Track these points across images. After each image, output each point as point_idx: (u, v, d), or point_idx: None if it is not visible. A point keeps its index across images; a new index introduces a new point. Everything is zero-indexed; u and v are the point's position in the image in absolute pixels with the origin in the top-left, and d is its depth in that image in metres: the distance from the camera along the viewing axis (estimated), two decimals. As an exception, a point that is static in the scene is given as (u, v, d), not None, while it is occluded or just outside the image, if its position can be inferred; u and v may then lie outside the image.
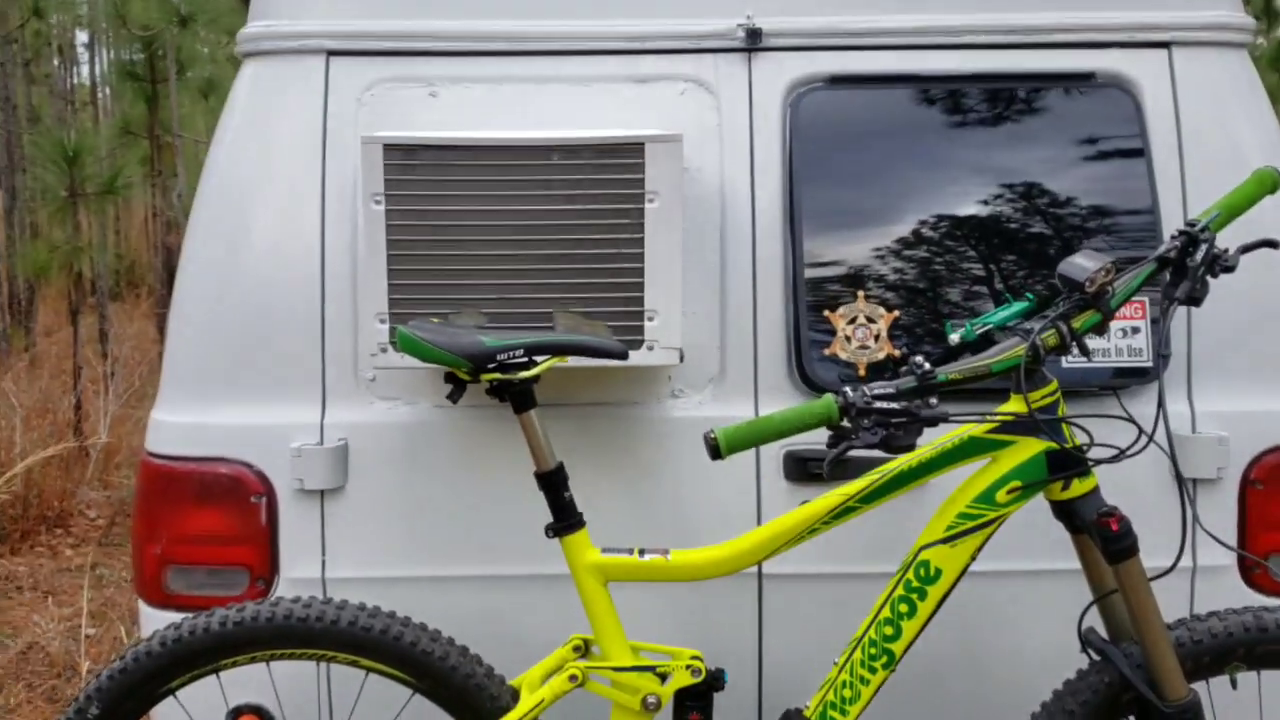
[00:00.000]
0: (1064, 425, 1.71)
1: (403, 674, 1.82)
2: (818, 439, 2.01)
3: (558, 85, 2.12)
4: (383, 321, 1.96)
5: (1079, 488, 1.72)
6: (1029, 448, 1.72)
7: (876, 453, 1.65)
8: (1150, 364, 2.04)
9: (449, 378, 1.85)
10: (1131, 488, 2.00)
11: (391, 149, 1.94)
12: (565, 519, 1.81)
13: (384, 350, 1.97)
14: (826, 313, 2.06)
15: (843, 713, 1.74)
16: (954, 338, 1.76)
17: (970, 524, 1.72)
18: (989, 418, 1.72)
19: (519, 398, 1.81)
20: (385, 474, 2.07)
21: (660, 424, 2.08)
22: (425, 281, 1.96)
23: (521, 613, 2.08)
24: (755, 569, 2.07)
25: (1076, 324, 1.69)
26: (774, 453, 2.07)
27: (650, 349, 1.96)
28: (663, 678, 1.80)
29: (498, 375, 1.78)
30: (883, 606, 1.74)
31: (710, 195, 2.10)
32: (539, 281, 1.96)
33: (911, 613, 1.73)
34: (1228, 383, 2.08)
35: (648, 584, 1.87)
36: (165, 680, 1.80)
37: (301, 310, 2.07)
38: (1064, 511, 1.76)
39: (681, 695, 1.81)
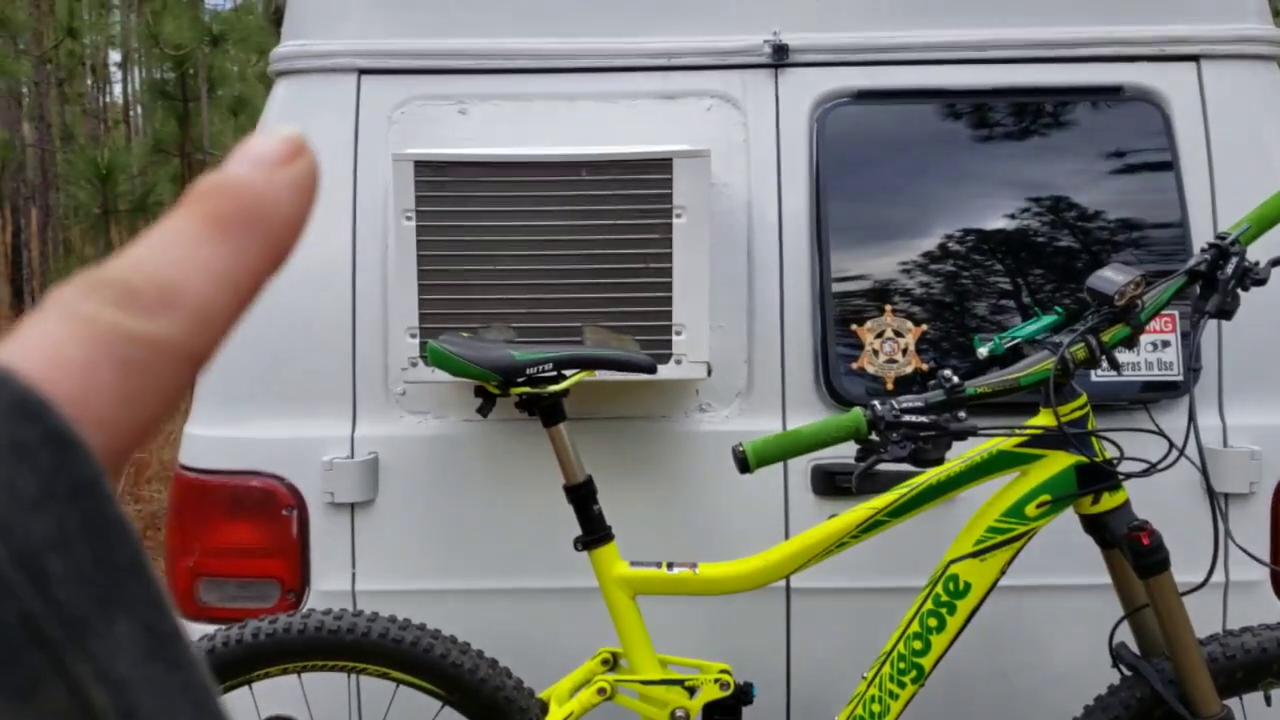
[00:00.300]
0: (1094, 439, 1.71)
1: (433, 686, 1.83)
2: (845, 453, 2.01)
3: (586, 102, 2.14)
4: (413, 336, 1.98)
5: (1109, 502, 1.72)
6: (1058, 462, 1.71)
7: (905, 466, 1.65)
8: (1180, 378, 2.03)
9: (479, 391, 1.87)
10: (1162, 502, 1.99)
11: (422, 166, 1.96)
12: (594, 532, 1.82)
13: (414, 364, 1.99)
14: (854, 327, 2.06)
15: (872, 727, 1.74)
16: (982, 351, 1.76)
17: (999, 538, 1.71)
18: (1018, 431, 1.71)
19: (548, 411, 1.82)
20: (415, 487, 2.09)
21: (688, 438, 2.09)
22: (455, 296, 1.98)
23: (550, 626, 2.09)
24: (783, 583, 2.07)
25: (1106, 337, 1.69)
26: (802, 467, 2.07)
27: (678, 363, 1.97)
28: (691, 691, 1.81)
29: (527, 389, 1.79)
30: (912, 621, 1.74)
31: (737, 210, 2.11)
32: (568, 296, 1.97)
33: (941, 627, 1.73)
34: (1260, 397, 2.07)
35: (676, 597, 1.87)
36: (198, 691, 1.82)
37: (333, 325, 2.10)
38: (1094, 526, 1.76)
39: (710, 709, 1.81)
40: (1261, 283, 1.71)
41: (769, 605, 2.08)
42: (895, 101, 2.14)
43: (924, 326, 2.06)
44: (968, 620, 1.73)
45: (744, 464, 1.63)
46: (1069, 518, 1.79)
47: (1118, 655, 1.79)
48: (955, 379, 1.65)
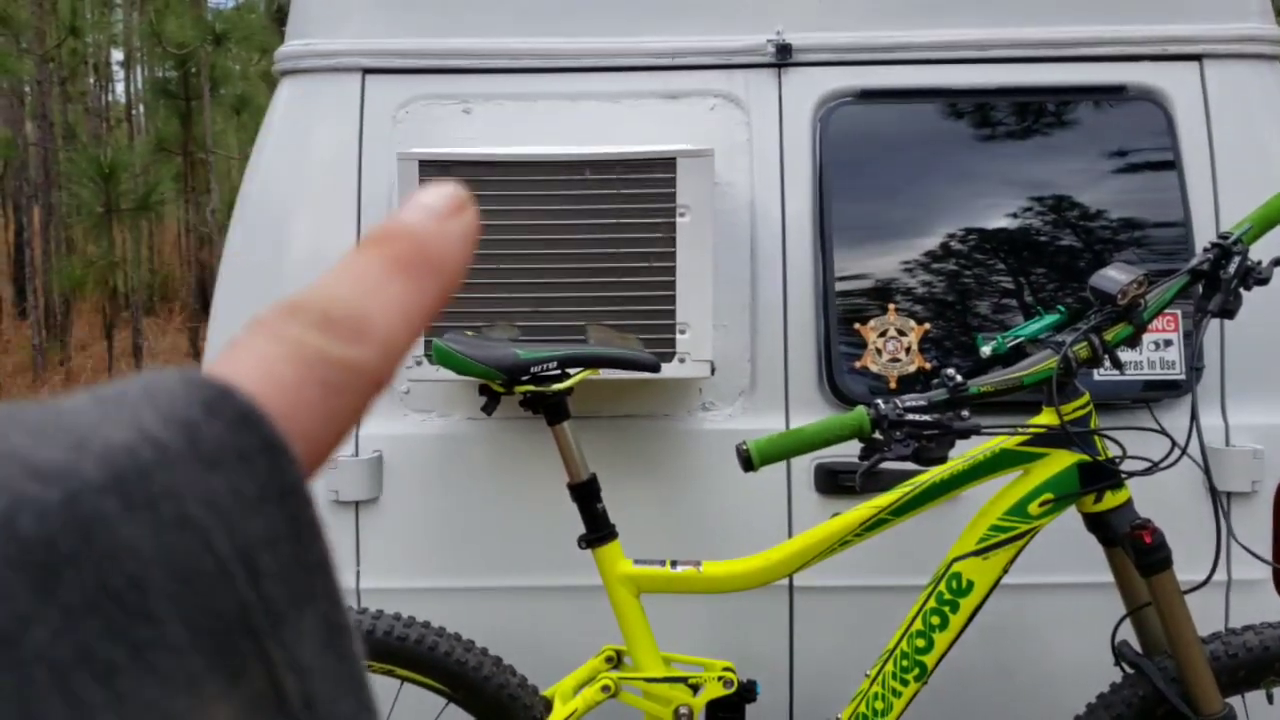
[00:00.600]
0: (1096, 438, 1.71)
1: (437, 684, 1.84)
2: (849, 452, 2.02)
3: (590, 101, 2.14)
4: (417, 335, 1.99)
5: (1112, 500, 1.72)
6: (1061, 460, 1.72)
7: (908, 465, 1.65)
8: (1183, 377, 2.03)
9: (483, 390, 1.87)
10: (1165, 501, 2.00)
11: (427, 165, 1.97)
12: (598, 530, 1.83)
13: (419, 363, 1.99)
14: (857, 325, 2.07)
15: (875, 725, 1.75)
16: (985, 350, 1.77)
17: (1002, 536, 1.72)
18: (1021, 430, 1.72)
19: (552, 410, 1.83)
20: (419, 486, 2.09)
21: (691, 436, 2.09)
22: (459, 295, 1.98)
23: (554, 623, 2.10)
24: (787, 581, 2.08)
25: (1108, 336, 1.69)
26: (805, 465, 2.08)
27: (682, 362, 1.98)
28: (695, 689, 1.81)
29: (531, 387, 1.80)
30: (915, 618, 1.75)
31: (741, 209, 2.11)
32: (572, 295, 1.98)
33: (944, 625, 1.73)
34: (1262, 396, 2.07)
35: (680, 595, 1.88)
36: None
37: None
38: (1097, 524, 1.76)
39: (714, 706, 1.82)
40: (1264, 282, 1.71)
41: (772, 603, 2.08)
42: (898, 101, 2.14)
43: (927, 325, 2.06)
44: (970, 618, 1.74)
45: (748, 462, 1.64)
46: (1071, 516, 1.79)
47: (1120, 653, 1.79)
48: (958, 378, 1.65)
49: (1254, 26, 2.14)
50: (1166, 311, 1.93)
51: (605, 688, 1.81)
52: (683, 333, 1.98)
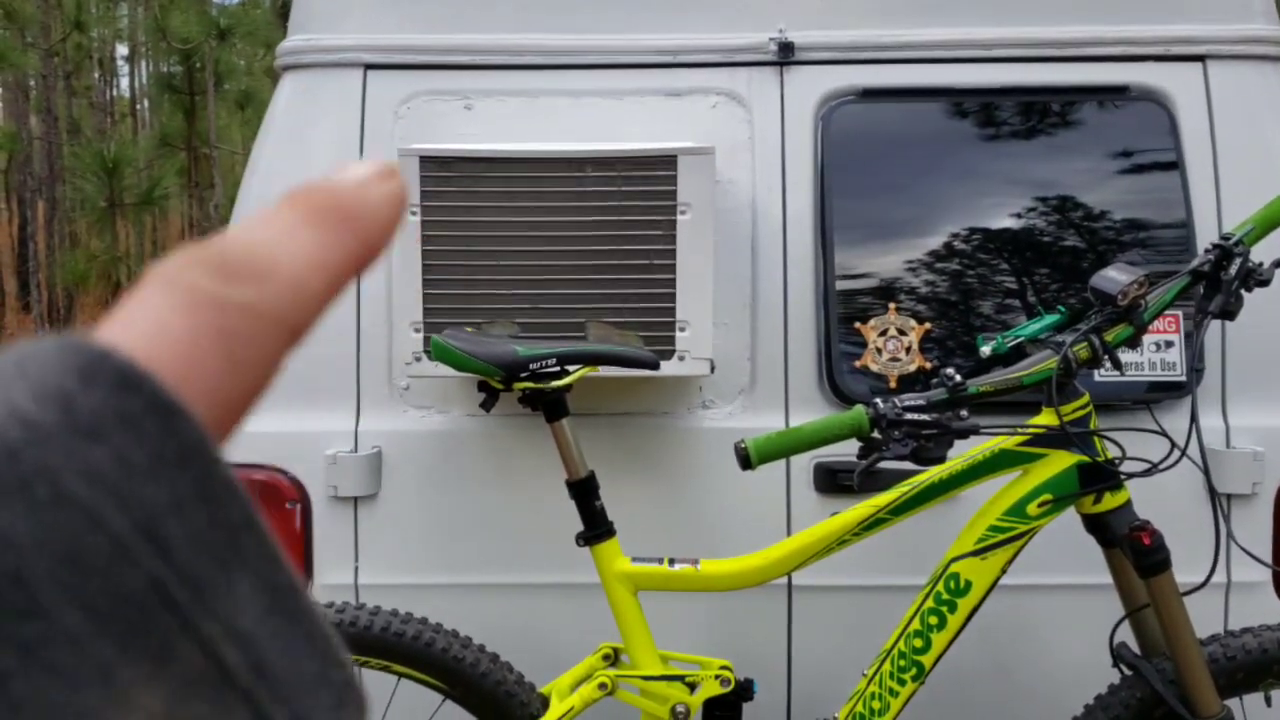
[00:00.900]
0: (1096, 439, 1.71)
1: (434, 680, 1.84)
2: (848, 451, 2.02)
3: (591, 99, 2.14)
4: (417, 330, 1.99)
5: (1111, 501, 1.72)
6: (1060, 461, 1.71)
7: (907, 464, 1.65)
8: (1183, 378, 2.03)
9: (482, 386, 1.87)
10: (1165, 503, 1.99)
11: (428, 161, 1.96)
12: (596, 527, 1.83)
13: (418, 359, 1.99)
14: (858, 325, 2.06)
15: (872, 724, 1.74)
16: (985, 350, 1.76)
17: (1001, 537, 1.72)
18: (1020, 430, 1.72)
19: (551, 407, 1.83)
20: (418, 482, 2.09)
21: (691, 434, 2.09)
22: (459, 291, 1.98)
23: (552, 621, 2.10)
24: (785, 580, 2.07)
25: (1109, 337, 1.69)
26: (804, 464, 2.07)
27: (681, 359, 1.98)
28: (692, 687, 1.81)
29: (530, 384, 1.80)
30: (912, 618, 1.74)
31: (742, 207, 2.11)
32: (572, 292, 1.97)
33: (941, 625, 1.73)
34: (1263, 398, 2.07)
35: (677, 594, 1.88)
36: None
37: (337, 319, 2.10)
38: (1096, 525, 1.76)
39: (711, 705, 1.82)
40: (1265, 284, 1.71)
41: (770, 602, 2.08)
42: (900, 100, 2.14)
43: (928, 325, 2.06)
44: (968, 619, 1.74)
45: (746, 460, 1.64)
46: (1070, 517, 1.79)
47: (1118, 655, 1.79)
48: (958, 377, 1.65)
49: (1258, 28, 2.14)
50: (1168, 313, 1.93)
51: (602, 685, 1.81)
52: (683, 330, 1.97)
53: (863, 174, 2.11)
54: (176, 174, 9.48)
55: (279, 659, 0.22)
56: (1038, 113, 2.13)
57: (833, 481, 2.06)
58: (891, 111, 2.14)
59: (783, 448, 1.64)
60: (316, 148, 2.14)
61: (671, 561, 1.81)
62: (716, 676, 1.81)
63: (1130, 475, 1.70)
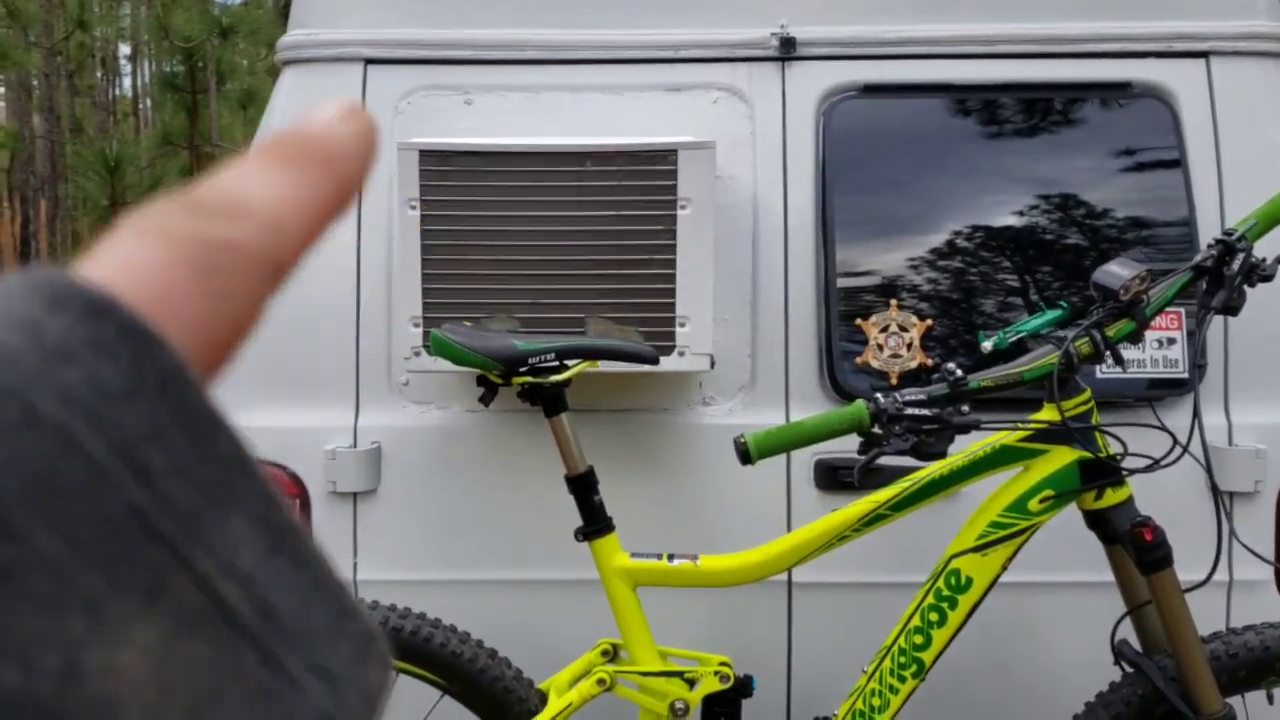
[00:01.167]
0: (1098, 434, 1.70)
1: (432, 675, 1.83)
2: (848, 446, 2.01)
3: (592, 94, 2.13)
4: (416, 325, 1.98)
5: (1112, 497, 1.71)
6: (1062, 456, 1.71)
7: (908, 460, 1.64)
8: (1185, 375, 2.02)
9: (481, 381, 1.86)
10: (1166, 500, 1.99)
11: (427, 155, 1.96)
12: (595, 523, 1.82)
13: (417, 354, 1.99)
14: (859, 321, 2.05)
15: (872, 721, 1.74)
16: (987, 345, 1.76)
17: (1002, 533, 1.71)
18: (1022, 426, 1.71)
19: (550, 401, 1.82)
20: (417, 477, 2.09)
21: (690, 430, 2.08)
22: (459, 286, 1.98)
23: (550, 616, 2.09)
24: (785, 576, 2.06)
25: (1111, 332, 1.68)
26: (804, 460, 2.07)
27: (681, 355, 1.97)
28: (691, 683, 1.80)
29: (529, 379, 1.79)
30: (913, 615, 1.74)
31: (743, 203, 2.10)
32: (571, 287, 1.97)
33: (942, 621, 1.72)
34: (1266, 395, 2.06)
35: (676, 589, 1.87)
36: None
37: (336, 314, 2.10)
38: (1097, 521, 1.75)
39: (710, 701, 1.81)
40: (1269, 279, 1.70)
41: (770, 598, 2.07)
42: (902, 96, 2.13)
43: (929, 321, 2.05)
44: (969, 615, 1.73)
45: (745, 456, 1.63)
46: (1071, 513, 1.78)
47: (1119, 652, 1.78)
48: (959, 372, 1.64)
49: (1261, 24, 2.13)
50: (1170, 310, 1.92)
51: (601, 681, 1.80)
52: (683, 326, 1.97)
53: (864, 170, 2.10)
54: (179, 172, 9.48)
55: (286, 603, 0.21)
56: (1040, 109, 2.13)
57: (833, 478, 2.05)
58: (893, 107, 2.13)
59: (783, 443, 1.63)
60: (316, 142, 2.14)
61: (671, 557, 1.80)
62: (716, 673, 1.80)
63: (1132, 471, 1.70)
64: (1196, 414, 1.67)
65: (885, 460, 1.66)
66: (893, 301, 2.06)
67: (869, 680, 1.75)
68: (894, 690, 1.73)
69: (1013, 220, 2.08)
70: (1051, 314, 1.77)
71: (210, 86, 9.34)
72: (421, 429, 2.09)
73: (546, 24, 2.15)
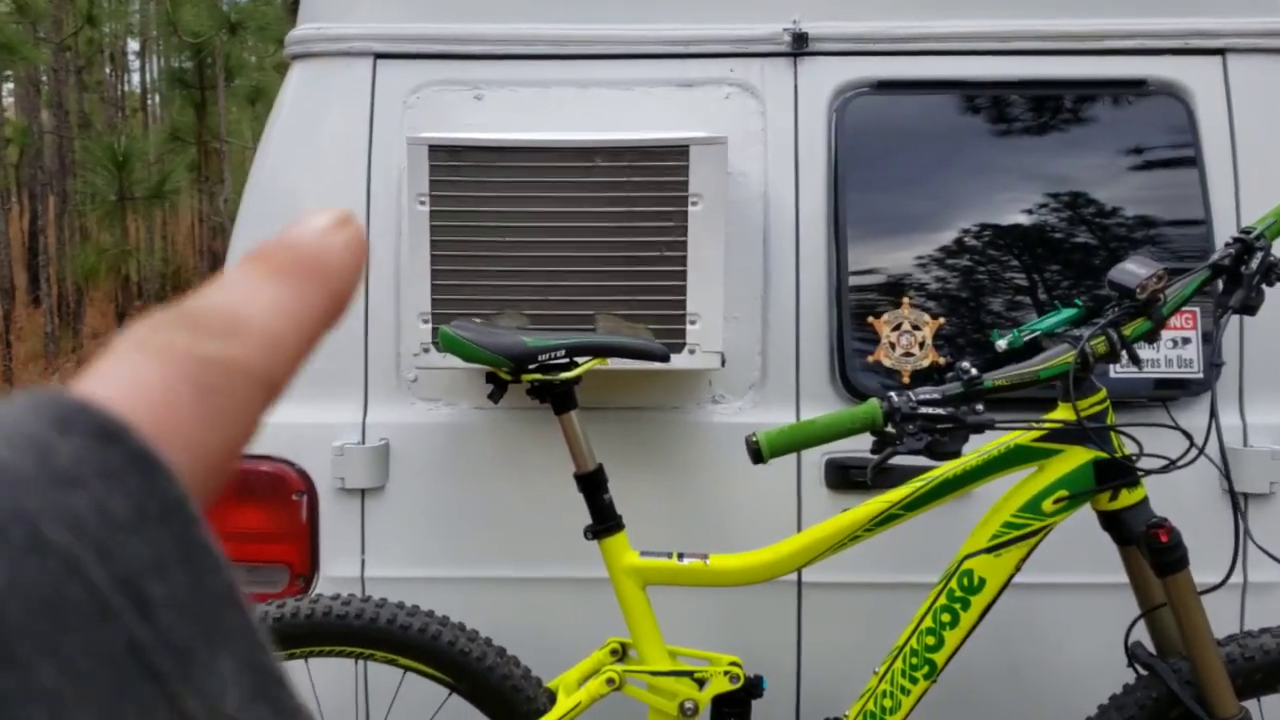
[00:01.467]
0: (1113, 434, 1.69)
1: (441, 673, 1.82)
2: (859, 446, 1.99)
3: (602, 89, 2.12)
4: (425, 321, 1.97)
5: (1128, 498, 1.69)
6: (1077, 457, 1.69)
7: (921, 459, 1.63)
8: (1200, 375, 2.00)
9: (490, 378, 1.85)
10: (1181, 501, 1.97)
11: (437, 150, 1.95)
12: (604, 521, 1.81)
13: (426, 350, 1.97)
14: (870, 319, 2.04)
15: (883, 723, 1.72)
16: (1001, 344, 1.74)
17: (1015, 533, 1.69)
18: (1037, 425, 1.69)
19: (560, 399, 1.81)
20: (425, 474, 2.08)
21: (700, 429, 2.07)
22: (468, 282, 1.96)
23: (559, 615, 2.08)
24: (794, 576, 2.05)
25: (1127, 331, 1.66)
26: (815, 459, 2.05)
27: (692, 352, 1.95)
28: (701, 683, 1.79)
29: (539, 376, 1.78)
30: (925, 616, 1.72)
31: (754, 199, 2.09)
32: (581, 283, 1.95)
33: (954, 622, 1.71)
34: None
35: (686, 589, 1.86)
36: (205, 675, 1.81)
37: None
38: (1112, 522, 1.73)
39: (719, 701, 1.80)
40: (1287, 278, 1.68)
41: (780, 598, 2.06)
42: (915, 92, 2.12)
43: (942, 320, 2.03)
44: (982, 616, 1.71)
45: (757, 454, 1.62)
46: (1083, 514, 1.76)
47: (1133, 654, 1.76)
48: (973, 371, 1.62)
49: (1279, 20, 2.11)
50: (1185, 309, 1.90)
51: (610, 680, 1.79)
52: (693, 323, 1.95)
53: (877, 167, 2.08)
54: (186, 168, 9.49)
55: None
56: (1054, 107, 2.11)
57: (844, 477, 2.04)
58: (906, 104, 2.11)
59: (795, 441, 1.61)
60: (325, 137, 2.13)
61: (681, 556, 1.79)
62: (726, 673, 1.79)
63: (1148, 472, 1.68)
64: (1214, 414, 1.65)
65: (898, 460, 1.65)
66: (905, 300, 2.04)
67: (880, 681, 1.74)
68: (905, 691, 1.72)
69: (1026, 218, 2.06)
70: (1067, 313, 1.75)
71: (219, 82, 9.35)
72: (430, 426, 2.08)
73: (557, 19, 2.14)
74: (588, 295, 1.95)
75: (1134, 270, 1.65)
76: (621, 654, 1.86)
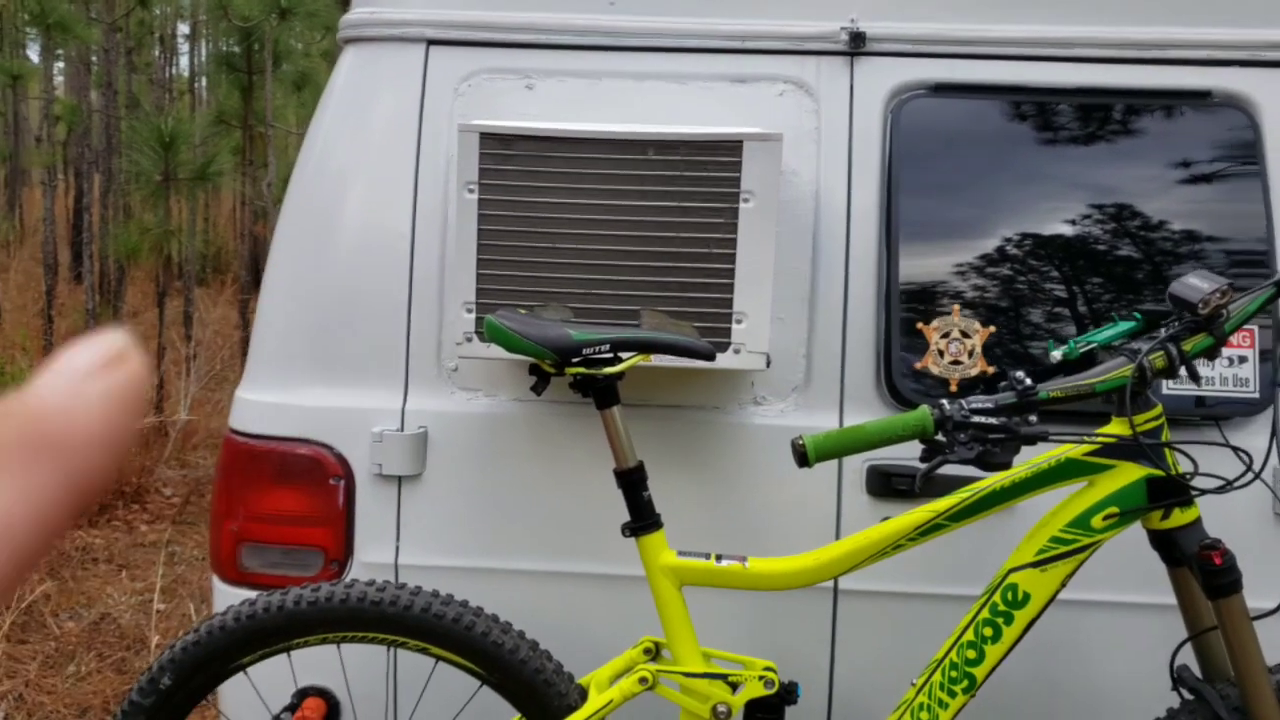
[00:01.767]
0: (1168, 451, 1.64)
1: (472, 664, 1.80)
2: (901, 454, 1.96)
3: (655, 82, 2.10)
4: (469, 310, 1.96)
5: (1180, 518, 1.65)
6: (1129, 473, 1.65)
7: (968, 469, 1.59)
8: (1257, 395, 1.95)
9: (533, 370, 1.83)
10: (1232, 522, 1.92)
11: (488, 138, 1.93)
12: (643, 519, 1.79)
13: (469, 339, 1.96)
14: (919, 325, 2.00)
15: (919, 736, 1.69)
16: (1056, 355, 1.70)
17: (1063, 549, 1.65)
18: (1090, 439, 1.65)
19: (602, 393, 1.79)
20: (463, 464, 2.06)
21: (741, 430, 2.04)
22: (513, 273, 1.95)
23: (592, 611, 2.06)
24: (831, 583, 2.02)
25: (1187, 347, 1.62)
26: (857, 465, 2.02)
27: (737, 352, 1.93)
28: (734, 687, 1.77)
29: (582, 369, 1.76)
30: (966, 629, 1.69)
31: (805, 199, 2.06)
32: (627, 278, 1.93)
33: (996, 637, 1.67)
34: None
35: (720, 591, 1.83)
36: (237, 655, 1.80)
37: (389, 296, 2.08)
38: (1163, 542, 1.69)
39: (753, 706, 1.77)
40: (1354, 298, 1.63)
41: (815, 604, 2.03)
42: (973, 96, 2.08)
43: (993, 328, 2.00)
44: (1025, 632, 1.68)
45: (804, 458, 1.59)
46: (1132, 531, 1.72)
47: (1180, 678, 1.72)
48: (1028, 381, 1.59)
49: (1351, 34, 2.05)
50: (1243, 327, 1.85)
51: (643, 680, 1.77)
52: (739, 323, 1.93)
53: (931, 170, 2.04)
54: (231, 152, 9.54)
55: None
56: (1114, 115, 2.06)
57: (886, 485, 2.00)
58: (964, 108, 2.08)
59: (842, 446, 1.58)
60: (376, 121, 2.12)
61: (719, 558, 1.76)
62: (760, 677, 1.76)
63: (1203, 492, 1.64)
64: (1275, 434, 1.61)
65: (943, 469, 1.61)
66: (955, 306, 2.01)
67: (918, 693, 1.70)
68: (944, 705, 1.68)
69: (1081, 229, 2.02)
70: (1125, 325, 1.71)
71: (266, 67, 9.40)
72: (469, 415, 2.07)
73: (612, 10, 2.12)
74: (633, 290, 1.93)
75: (1197, 285, 1.61)
76: (655, 653, 1.84)
